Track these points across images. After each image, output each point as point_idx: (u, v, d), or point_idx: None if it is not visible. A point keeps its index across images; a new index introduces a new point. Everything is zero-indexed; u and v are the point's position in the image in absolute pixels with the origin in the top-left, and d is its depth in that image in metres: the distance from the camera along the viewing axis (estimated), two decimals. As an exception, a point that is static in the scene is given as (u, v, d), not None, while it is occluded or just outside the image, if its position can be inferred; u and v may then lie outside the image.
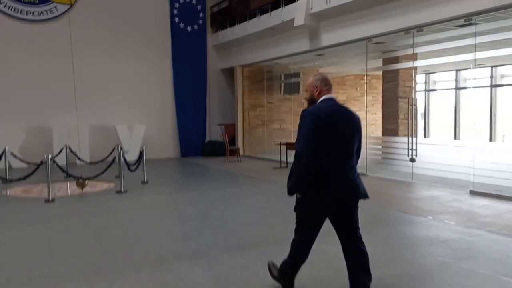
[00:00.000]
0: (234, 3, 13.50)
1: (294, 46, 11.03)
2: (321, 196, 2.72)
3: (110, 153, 9.52)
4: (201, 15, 14.17)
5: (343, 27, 9.23)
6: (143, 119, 13.10)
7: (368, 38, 8.80)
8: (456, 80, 15.53)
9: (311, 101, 2.93)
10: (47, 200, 6.55)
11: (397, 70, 10.34)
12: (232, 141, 13.50)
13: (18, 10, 11.69)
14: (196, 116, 14.10)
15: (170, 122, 13.78)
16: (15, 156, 9.12)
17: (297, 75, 13.92)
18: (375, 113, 17.49)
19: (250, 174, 9.56)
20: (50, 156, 6.59)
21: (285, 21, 10.65)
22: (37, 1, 11.91)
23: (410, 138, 7.95)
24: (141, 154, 8.45)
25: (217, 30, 14.28)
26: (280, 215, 5.38)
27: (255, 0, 12.16)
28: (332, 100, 2.87)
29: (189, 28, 13.97)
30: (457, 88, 15.51)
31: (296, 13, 9.93)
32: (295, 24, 9.90)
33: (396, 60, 10.15)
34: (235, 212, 5.73)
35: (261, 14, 11.70)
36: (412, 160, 7.88)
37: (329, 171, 2.71)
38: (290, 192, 2.77)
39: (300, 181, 2.70)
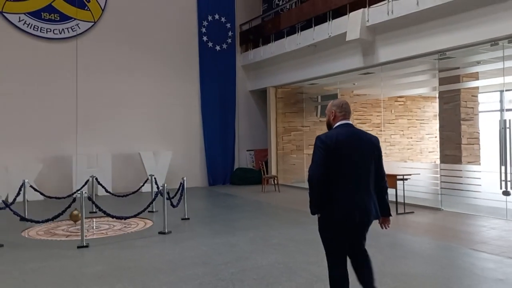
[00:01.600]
0: (265, 21, 12.60)
1: (342, 63, 9.96)
2: (333, 217, 2.87)
3: (143, 185, 8.35)
4: (230, 33, 13.27)
5: (406, 40, 8.17)
6: (169, 145, 11.99)
7: (440, 52, 7.71)
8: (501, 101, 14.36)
9: (328, 125, 3.08)
10: (80, 246, 5.35)
11: (458, 90, 9.24)
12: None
13: (37, 27, 10.76)
14: (224, 141, 13.00)
15: (197, 147, 12.65)
16: (35, 190, 7.93)
17: (335, 96, 12.83)
18: (411, 137, 16.33)
19: (301, 208, 8.30)
20: (84, 191, 5.40)
21: (332, 36, 9.66)
22: (58, 18, 11.01)
23: (503, 167, 6.72)
24: (181, 185, 7.26)
25: (247, 49, 13.35)
26: (382, 268, 4.15)
27: (292, 16, 11.22)
28: (347, 125, 2.97)
29: (217, 48, 13.03)
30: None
31: (348, 27, 8.92)
32: (348, 38, 8.87)
33: (457, 79, 9.04)
34: (323, 265, 4.46)
35: (301, 31, 10.74)
36: (507, 193, 6.64)
37: (341, 194, 2.84)
38: (312, 213, 2.95)
39: (315, 203, 2.87)
